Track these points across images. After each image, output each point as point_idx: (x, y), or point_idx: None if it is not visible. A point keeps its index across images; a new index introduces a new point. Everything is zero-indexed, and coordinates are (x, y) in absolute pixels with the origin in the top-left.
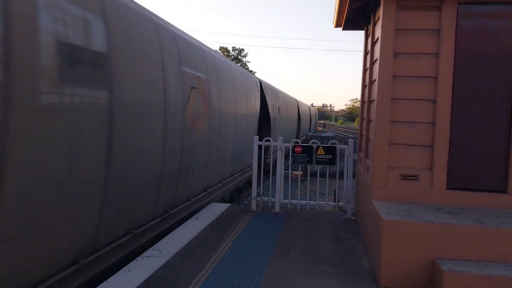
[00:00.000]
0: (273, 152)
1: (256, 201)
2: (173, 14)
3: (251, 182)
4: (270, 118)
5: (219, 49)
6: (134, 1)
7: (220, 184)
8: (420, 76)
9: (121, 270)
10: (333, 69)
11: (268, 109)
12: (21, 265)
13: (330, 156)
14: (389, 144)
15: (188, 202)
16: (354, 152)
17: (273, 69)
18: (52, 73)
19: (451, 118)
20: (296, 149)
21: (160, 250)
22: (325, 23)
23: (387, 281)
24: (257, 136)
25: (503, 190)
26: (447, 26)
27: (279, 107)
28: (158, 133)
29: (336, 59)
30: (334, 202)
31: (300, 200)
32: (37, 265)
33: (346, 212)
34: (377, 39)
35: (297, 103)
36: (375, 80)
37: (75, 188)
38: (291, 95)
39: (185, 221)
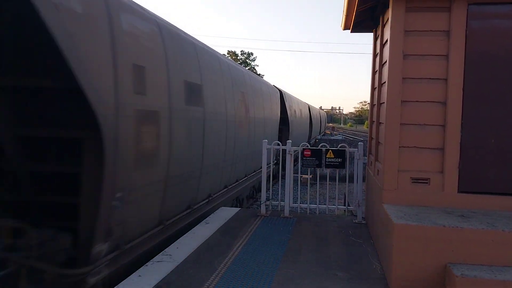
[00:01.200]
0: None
1: (265, 205)
2: (176, 15)
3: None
4: (288, 122)
5: (227, 53)
6: (206, 44)
7: (254, 173)
8: (430, 78)
9: (131, 276)
10: (342, 71)
11: (287, 114)
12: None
13: (339, 160)
14: (399, 147)
15: (236, 183)
16: (364, 155)
17: (281, 72)
18: (185, 98)
19: (461, 120)
20: (305, 152)
21: (171, 255)
22: (333, 25)
23: (398, 286)
24: (266, 140)
25: None
26: (457, 27)
27: (295, 111)
28: (222, 132)
29: (346, 62)
30: (344, 206)
31: (310, 204)
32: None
33: (357, 216)
34: (386, 41)
35: (309, 107)
36: (385, 82)
37: (192, 159)
38: (301, 99)
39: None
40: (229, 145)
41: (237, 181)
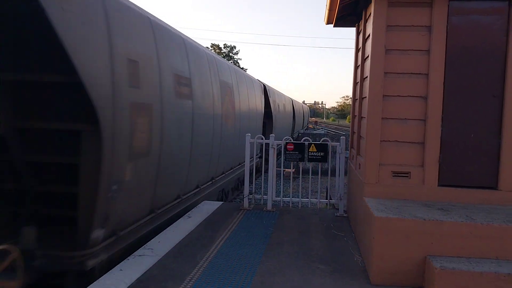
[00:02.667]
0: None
1: (248, 199)
2: (162, 10)
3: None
4: (272, 116)
5: (211, 46)
6: (193, 39)
7: (239, 165)
8: (411, 73)
9: (112, 270)
10: (325, 66)
11: (270, 108)
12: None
13: (322, 154)
14: (380, 141)
15: (223, 175)
16: (346, 149)
17: (265, 66)
18: (174, 91)
19: (442, 114)
20: (288, 146)
21: (152, 249)
22: (316, 20)
23: (379, 278)
24: (249, 134)
25: (494, 187)
26: (438, 23)
27: (278, 105)
28: (210, 124)
29: (328, 56)
30: (326, 199)
31: (292, 197)
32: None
33: (338, 209)
34: (369, 35)
35: (292, 102)
36: (367, 77)
37: (181, 150)
38: (285, 94)
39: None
40: (216, 137)
41: (223, 173)
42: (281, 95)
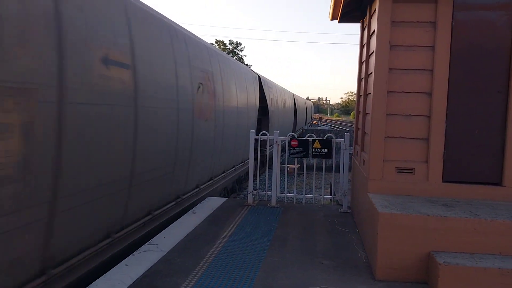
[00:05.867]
0: (269, 146)
1: (252, 195)
2: (172, 9)
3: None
4: (268, 112)
5: (215, 42)
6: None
7: (222, 175)
8: (416, 69)
9: (118, 265)
10: (329, 62)
11: (266, 103)
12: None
13: (326, 150)
14: (385, 137)
15: (192, 193)
16: (350, 145)
17: (270, 62)
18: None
19: (447, 110)
20: (292, 142)
21: (157, 244)
22: (321, 16)
23: (383, 274)
24: (253, 130)
25: (498, 183)
26: (443, 19)
27: (277, 101)
28: (169, 120)
29: (333, 52)
30: (330, 195)
31: (296, 193)
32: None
33: (342, 205)
34: (373, 31)
35: (294, 97)
36: (371, 73)
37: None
38: (288, 89)
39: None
40: (184, 138)
41: (193, 190)
42: (280, 89)
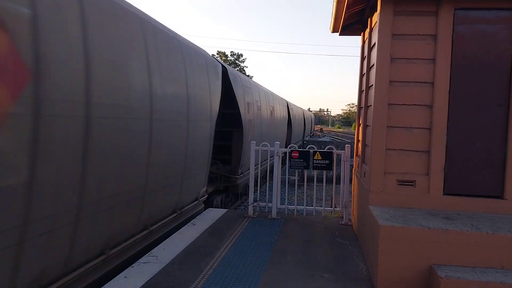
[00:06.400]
0: (270, 158)
1: (253, 206)
2: (166, 16)
3: None
4: (241, 122)
5: (217, 54)
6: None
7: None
8: (416, 82)
9: (116, 277)
10: (330, 73)
11: (238, 108)
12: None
13: (327, 161)
14: (386, 149)
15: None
16: (351, 157)
17: (271, 74)
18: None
19: (447, 123)
20: (293, 154)
21: (157, 256)
22: (322, 28)
23: (383, 287)
24: (254, 142)
25: (500, 196)
26: (444, 32)
27: (259, 107)
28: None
29: (334, 64)
30: (331, 207)
31: (297, 205)
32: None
33: (343, 217)
34: (374, 44)
35: (288, 105)
36: (372, 85)
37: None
38: (293, 102)
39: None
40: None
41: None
42: (267, 93)
